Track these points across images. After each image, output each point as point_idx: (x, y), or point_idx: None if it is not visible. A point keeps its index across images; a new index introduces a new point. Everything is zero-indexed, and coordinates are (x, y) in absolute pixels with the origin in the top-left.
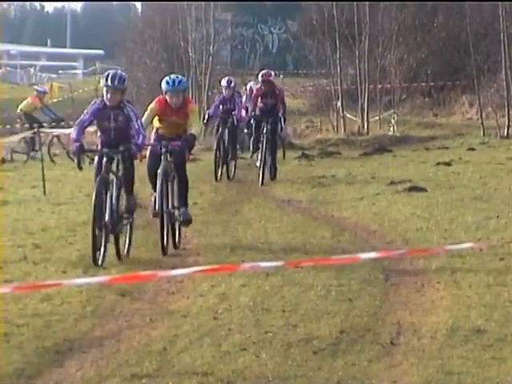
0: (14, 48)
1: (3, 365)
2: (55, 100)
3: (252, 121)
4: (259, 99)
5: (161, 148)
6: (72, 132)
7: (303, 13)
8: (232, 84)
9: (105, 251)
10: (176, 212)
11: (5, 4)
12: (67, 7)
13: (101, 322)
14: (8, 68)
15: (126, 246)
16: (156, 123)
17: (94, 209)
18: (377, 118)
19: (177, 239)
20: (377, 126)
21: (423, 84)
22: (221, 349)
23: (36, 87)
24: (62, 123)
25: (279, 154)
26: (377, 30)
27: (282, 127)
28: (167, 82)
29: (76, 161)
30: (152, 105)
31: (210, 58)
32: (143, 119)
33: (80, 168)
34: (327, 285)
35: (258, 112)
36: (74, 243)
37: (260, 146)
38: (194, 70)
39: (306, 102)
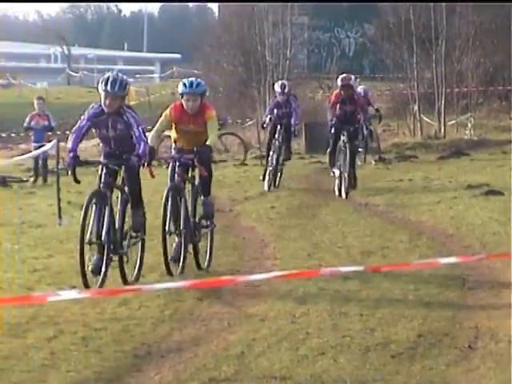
0: (91, 52)
1: (82, 369)
2: (132, 103)
3: (332, 130)
4: (337, 106)
5: (175, 161)
6: (68, 140)
7: (380, 16)
8: (286, 89)
9: (105, 276)
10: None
11: (82, 8)
12: (144, 11)
13: (179, 326)
14: (85, 72)
15: (136, 269)
16: (173, 133)
17: (81, 227)
18: (454, 121)
19: (206, 258)
20: (454, 130)
21: (500, 88)
22: (299, 353)
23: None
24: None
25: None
26: (454, 33)
27: (363, 135)
28: (184, 84)
29: (70, 173)
30: (167, 110)
31: (287, 61)
32: (155, 127)
33: (77, 181)
34: (405, 289)
35: (335, 120)
36: (152, 247)
37: (338, 159)
38: (270, 73)
39: (383, 106)
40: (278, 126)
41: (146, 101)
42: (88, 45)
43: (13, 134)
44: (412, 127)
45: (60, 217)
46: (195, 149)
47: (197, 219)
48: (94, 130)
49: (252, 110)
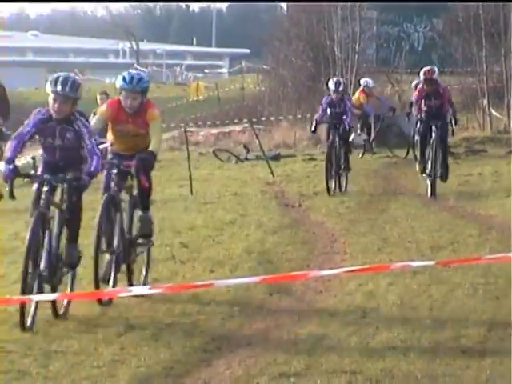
0: (159, 47)
1: (152, 364)
2: (201, 98)
3: (418, 126)
4: (423, 101)
5: (112, 168)
6: (6, 148)
7: (448, 11)
8: (341, 87)
9: (34, 312)
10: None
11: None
12: (213, 6)
13: (249, 320)
14: (154, 67)
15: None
16: (110, 134)
17: (26, 252)
18: None
19: (141, 277)
20: None
21: None
22: (368, 347)
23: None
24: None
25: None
26: None
27: (453, 130)
28: (123, 78)
29: (8, 188)
30: (103, 107)
31: (356, 56)
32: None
33: (12, 197)
34: (474, 283)
35: (423, 116)
36: (222, 242)
37: (427, 157)
38: (339, 68)
39: (452, 100)
40: (333, 129)
41: (215, 96)
42: (157, 40)
43: None
44: (481, 121)
45: None
46: (137, 155)
47: (133, 235)
48: (38, 138)
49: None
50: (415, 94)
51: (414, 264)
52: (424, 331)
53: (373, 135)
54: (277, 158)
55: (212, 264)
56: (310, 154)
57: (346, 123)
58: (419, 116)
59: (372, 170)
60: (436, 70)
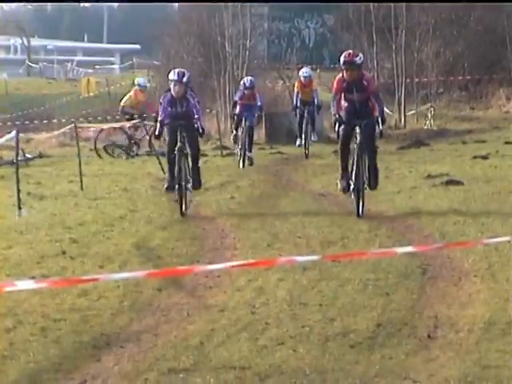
0: (50, 43)
1: (41, 359)
2: (92, 94)
3: (337, 128)
4: (343, 95)
5: None
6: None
7: (339, 7)
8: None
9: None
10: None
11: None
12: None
13: (138, 316)
14: (45, 63)
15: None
16: None
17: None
18: (414, 111)
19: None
20: (414, 120)
21: (460, 77)
22: (258, 343)
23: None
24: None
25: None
26: (413, 23)
27: (381, 132)
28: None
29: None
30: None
31: (247, 52)
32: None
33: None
34: (364, 279)
35: (343, 115)
36: (111, 238)
37: (351, 168)
38: (230, 64)
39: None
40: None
41: (105, 92)
42: (48, 36)
43: None
44: None
45: (19, 208)
46: None
47: None
48: None
49: (212, 100)
50: (334, 86)
51: (300, 259)
52: (313, 327)
53: None
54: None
55: (102, 260)
56: (201, 150)
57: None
58: (337, 115)
59: (263, 166)
60: (360, 54)
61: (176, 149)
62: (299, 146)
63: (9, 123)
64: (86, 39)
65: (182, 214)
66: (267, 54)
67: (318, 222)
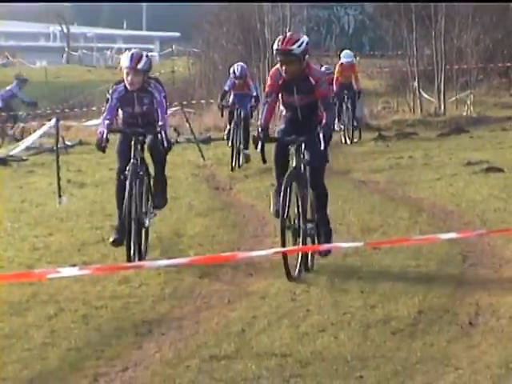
0: (90, 30)
1: (82, 346)
2: None
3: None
4: (280, 96)
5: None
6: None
7: None
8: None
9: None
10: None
11: None
12: None
13: (179, 303)
14: (84, 51)
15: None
16: None
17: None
18: (453, 98)
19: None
20: (453, 107)
21: (500, 64)
22: (299, 330)
23: None
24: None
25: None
26: (453, 10)
27: (325, 146)
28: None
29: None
30: None
31: None
32: None
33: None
34: (405, 265)
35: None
36: (152, 225)
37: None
38: (270, 51)
39: (383, 83)
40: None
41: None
42: (87, 23)
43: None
44: (412, 104)
45: (60, 195)
46: None
47: None
48: None
49: None
50: (268, 82)
51: (343, 245)
52: (354, 313)
53: None
54: (207, 141)
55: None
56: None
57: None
58: (260, 129)
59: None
60: (304, 38)
61: (128, 169)
62: (339, 130)
63: (48, 111)
64: (125, 26)
65: (129, 259)
66: None
67: (358, 208)
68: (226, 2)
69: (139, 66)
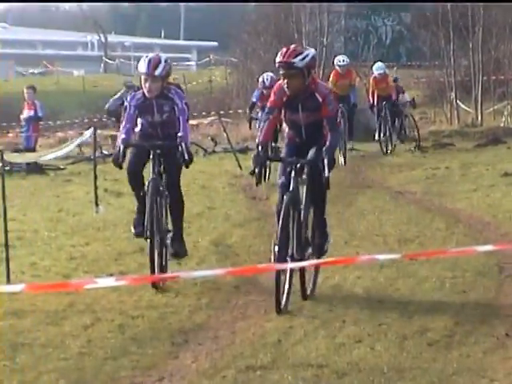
0: (128, 40)
1: (119, 356)
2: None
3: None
4: (283, 115)
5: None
6: None
7: (417, 4)
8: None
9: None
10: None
11: None
12: None
13: (216, 313)
14: (122, 60)
15: None
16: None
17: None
18: (491, 109)
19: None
20: (491, 118)
21: None
22: (335, 341)
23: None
24: None
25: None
26: (490, 21)
27: (327, 180)
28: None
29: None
30: None
31: (324, 49)
32: None
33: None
34: (441, 277)
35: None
36: (189, 235)
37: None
38: None
39: (420, 94)
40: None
41: (182, 89)
42: (125, 32)
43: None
44: (449, 115)
45: (97, 204)
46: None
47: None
48: None
49: None
50: (271, 98)
51: (380, 257)
52: (391, 324)
53: None
54: (244, 150)
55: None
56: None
57: None
58: (259, 148)
59: (339, 163)
60: (309, 52)
61: (147, 184)
62: (378, 140)
63: (86, 120)
64: (163, 36)
65: (153, 285)
66: (344, 51)
67: (394, 219)
68: (271, 2)
69: (157, 72)
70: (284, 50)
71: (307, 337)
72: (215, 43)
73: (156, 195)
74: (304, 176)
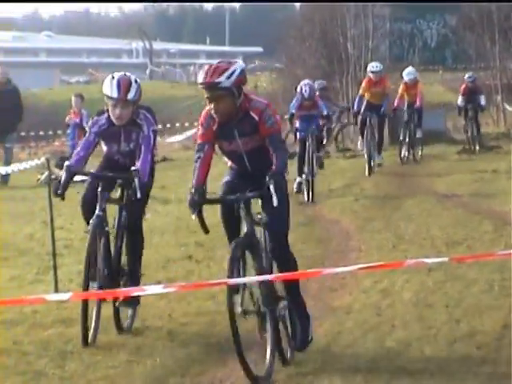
0: (173, 46)
1: (168, 363)
2: None
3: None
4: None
5: None
6: None
7: (461, 7)
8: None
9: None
10: None
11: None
12: (226, 4)
13: None
14: (167, 66)
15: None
16: None
17: None
18: None
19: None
20: None
21: None
22: (385, 345)
23: None
24: None
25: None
26: None
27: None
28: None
29: None
30: None
31: (369, 53)
32: None
33: None
34: (490, 279)
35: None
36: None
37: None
38: (353, 65)
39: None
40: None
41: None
42: (170, 39)
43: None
44: (495, 117)
45: (144, 212)
46: None
47: None
48: None
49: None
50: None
51: (429, 260)
52: (440, 328)
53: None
54: (292, 155)
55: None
56: (325, 151)
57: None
58: (193, 190)
59: (386, 167)
60: (235, 66)
61: (91, 222)
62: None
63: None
64: (208, 42)
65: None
66: (389, 54)
67: (442, 222)
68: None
69: (129, 96)
70: (206, 67)
71: (356, 341)
72: (260, 49)
73: (99, 235)
74: (259, 215)
